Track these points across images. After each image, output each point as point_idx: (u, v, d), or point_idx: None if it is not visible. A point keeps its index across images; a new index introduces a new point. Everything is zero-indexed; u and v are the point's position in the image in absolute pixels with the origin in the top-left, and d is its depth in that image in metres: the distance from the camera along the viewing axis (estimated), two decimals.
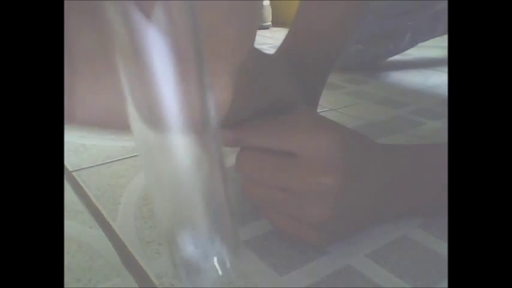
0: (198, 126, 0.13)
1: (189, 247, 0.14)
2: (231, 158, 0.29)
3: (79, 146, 0.43)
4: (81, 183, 0.35)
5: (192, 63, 0.13)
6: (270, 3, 1.40)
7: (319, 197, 0.24)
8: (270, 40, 1.13)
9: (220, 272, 0.14)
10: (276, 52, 0.37)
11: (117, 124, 0.17)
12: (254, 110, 0.26)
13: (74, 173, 0.37)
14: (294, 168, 0.25)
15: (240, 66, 0.18)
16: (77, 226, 0.29)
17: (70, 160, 0.40)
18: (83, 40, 0.15)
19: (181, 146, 0.13)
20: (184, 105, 0.13)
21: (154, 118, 0.13)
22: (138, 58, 0.12)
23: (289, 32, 0.38)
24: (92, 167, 0.38)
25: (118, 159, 0.40)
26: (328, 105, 0.58)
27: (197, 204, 0.14)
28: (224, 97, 0.19)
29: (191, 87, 0.13)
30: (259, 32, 1.22)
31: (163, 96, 0.13)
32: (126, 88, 0.13)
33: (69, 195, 0.33)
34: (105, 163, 0.39)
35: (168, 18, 0.12)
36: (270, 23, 1.42)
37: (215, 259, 0.14)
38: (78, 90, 0.16)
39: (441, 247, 0.28)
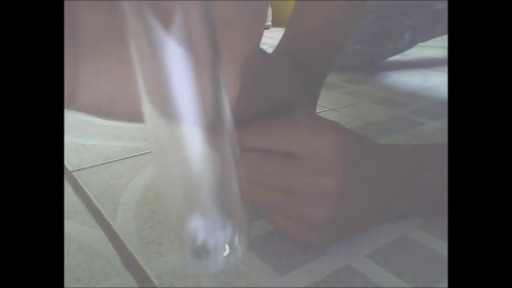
0: (211, 115, 0.13)
1: (200, 234, 0.14)
2: None
3: (79, 146, 0.43)
4: (81, 183, 0.35)
5: (207, 56, 0.13)
6: (270, 3, 1.40)
7: (320, 197, 0.24)
8: (270, 40, 1.13)
9: (230, 257, 0.15)
10: (274, 52, 0.37)
11: (119, 110, 0.17)
12: (255, 110, 0.26)
13: (74, 173, 0.37)
14: (295, 169, 0.24)
15: (247, 58, 0.18)
16: (77, 226, 0.29)
17: (70, 160, 0.40)
18: (90, 18, 0.15)
19: (194, 135, 0.13)
20: (198, 96, 0.13)
21: (167, 107, 0.13)
22: (153, 50, 0.12)
23: (285, 31, 0.38)
24: (92, 167, 0.38)
25: (118, 159, 0.40)
26: (328, 105, 0.58)
27: (209, 192, 0.14)
28: (231, 88, 0.19)
29: (205, 79, 0.13)
30: None
31: (177, 86, 0.13)
32: (140, 78, 0.13)
33: (69, 195, 0.33)
34: (105, 163, 0.39)
35: (184, 15, 0.12)
36: (270, 23, 1.42)
37: (226, 245, 0.15)
38: (81, 72, 0.15)
39: (441, 247, 0.28)
